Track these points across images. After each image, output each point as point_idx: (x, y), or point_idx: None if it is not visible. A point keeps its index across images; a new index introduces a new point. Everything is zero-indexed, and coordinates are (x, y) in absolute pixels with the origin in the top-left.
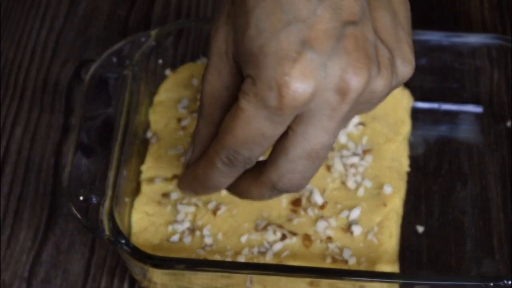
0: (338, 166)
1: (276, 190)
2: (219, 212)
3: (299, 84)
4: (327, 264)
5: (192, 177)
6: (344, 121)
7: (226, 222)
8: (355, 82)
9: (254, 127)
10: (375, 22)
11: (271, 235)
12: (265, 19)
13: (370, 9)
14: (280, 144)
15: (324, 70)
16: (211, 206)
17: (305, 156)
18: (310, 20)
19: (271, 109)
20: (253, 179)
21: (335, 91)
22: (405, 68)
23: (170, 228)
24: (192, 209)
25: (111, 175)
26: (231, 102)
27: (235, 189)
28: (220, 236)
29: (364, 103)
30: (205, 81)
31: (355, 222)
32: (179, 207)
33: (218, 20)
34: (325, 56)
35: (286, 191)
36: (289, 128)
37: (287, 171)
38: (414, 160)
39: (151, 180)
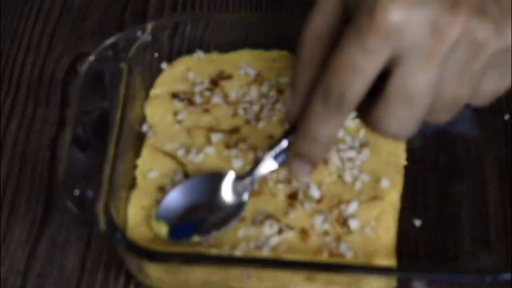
0: (335, 159)
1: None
2: None
3: (392, 8)
4: (324, 258)
5: (296, 137)
6: (446, 70)
7: None
8: (452, 23)
9: (345, 56)
10: None
11: (268, 229)
12: None
13: None
14: (382, 86)
15: (421, 3)
16: None
17: (399, 98)
18: None
19: (362, 32)
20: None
21: (431, 29)
22: None
23: None
24: None
25: (106, 169)
26: (331, 45)
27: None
28: None
29: (465, 58)
30: (308, 21)
31: (352, 216)
32: None
33: None
34: None
35: (390, 135)
36: (388, 70)
37: (384, 113)
38: (411, 154)
39: (147, 173)
